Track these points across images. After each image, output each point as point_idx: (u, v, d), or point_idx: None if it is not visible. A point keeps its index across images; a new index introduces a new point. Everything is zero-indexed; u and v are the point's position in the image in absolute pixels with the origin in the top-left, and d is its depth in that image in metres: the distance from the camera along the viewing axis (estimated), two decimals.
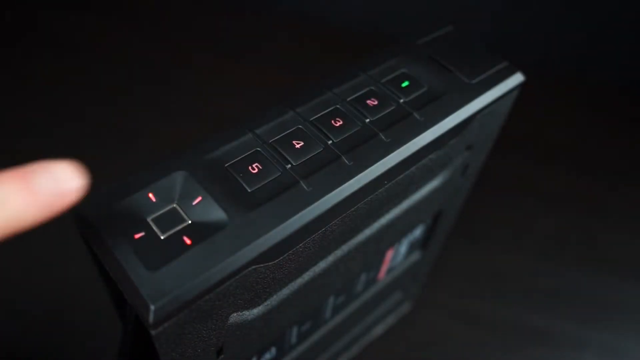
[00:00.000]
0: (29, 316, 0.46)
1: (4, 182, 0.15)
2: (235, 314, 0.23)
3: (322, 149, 0.23)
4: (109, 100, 0.66)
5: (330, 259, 0.27)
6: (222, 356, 0.25)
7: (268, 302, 0.25)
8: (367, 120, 0.25)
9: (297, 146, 0.23)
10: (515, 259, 0.55)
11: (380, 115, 0.25)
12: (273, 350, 0.32)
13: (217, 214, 0.21)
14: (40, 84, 0.67)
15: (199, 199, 0.21)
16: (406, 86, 0.27)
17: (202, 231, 0.20)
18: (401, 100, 0.26)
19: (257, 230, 0.20)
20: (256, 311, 0.24)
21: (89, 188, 0.18)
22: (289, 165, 0.23)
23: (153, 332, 0.19)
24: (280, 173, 0.22)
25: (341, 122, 0.24)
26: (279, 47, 0.76)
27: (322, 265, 0.27)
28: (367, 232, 0.28)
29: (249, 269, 0.21)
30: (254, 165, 0.22)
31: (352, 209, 0.24)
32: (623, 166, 0.66)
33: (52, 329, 0.46)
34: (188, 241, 0.20)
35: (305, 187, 0.22)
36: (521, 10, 0.75)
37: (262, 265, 0.21)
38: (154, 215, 0.20)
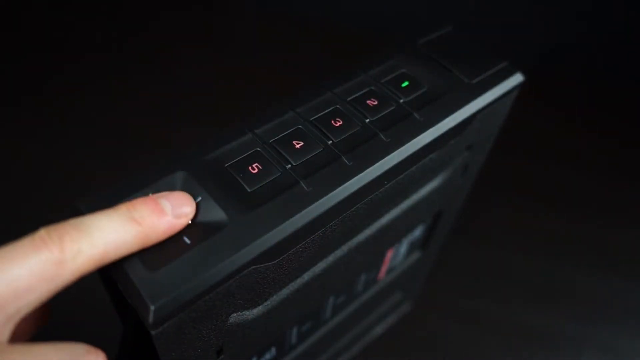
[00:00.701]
0: None
1: (139, 205, 0.19)
2: (235, 314, 0.23)
3: (322, 149, 0.23)
4: (109, 101, 0.66)
5: (330, 259, 0.27)
6: (222, 356, 0.25)
7: (268, 302, 0.25)
8: (367, 120, 0.25)
9: (297, 146, 0.23)
10: (515, 258, 0.55)
11: (380, 115, 0.25)
12: (273, 350, 0.32)
13: (217, 214, 0.21)
14: (39, 84, 0.67)
15: (199, 199, 0.21)
16: (406, 86, 0.27)
17: (202, 231, 0.20)
18: (401, 100, 0.26)
19: (257, 230, 0.20)
20: (256, 311, 0.24)
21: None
22: (289, 165, 0.23)
23: (153, 332, 0.19)
24: (280, 173, 0.22)
25: (341, 122, 0.24)
26: (279, 47, 0.76)
27: (322, 265, 0.27)
28: (367, 232, 0.28)
29: (249, 269, 0.20)
30: (254, 165, 0.22)
31: (352, 209, 0.24)
32: (623, 166, 0.66)
33: (52, 329, 0.46)
34: (188, 241, 0.20)
35: (305, 187, 0.22)
36: (521, 11, 0.75)
37: (262, 265, 0.21)
38: None
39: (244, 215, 0.21)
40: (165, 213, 0.19)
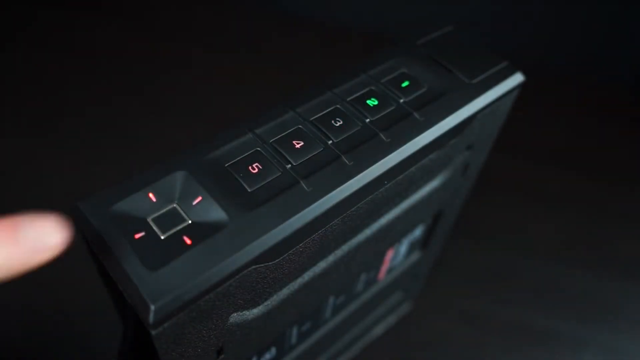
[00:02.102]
0: (29, 316, 0.46)
1: None
2: (235, 314, 0.23)
3: (322, 149, 0.23)
4: (108, 100, 0.66)
5: (331, 259, 0.27)
6: (222, 356, 0.25)
7: (268, 302, 0.25)
8: (367, 120, 0.25)
9: (297, 146, 0.23)
10: (515, 259, 0.55)
11: (380, 115, 0.25)
12: (273, 350, 0.32)
13: (217, 214, 0.21)
14: (39, 84, 0.67)
15: (199, 199, 0.21)
16: (406, 86, 0.27)
17: (202, 231, 0.20)
18: (401, 100, 0.26)
19: (257, 230, 0.20)
20: (256, 311, 0.24)
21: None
22: (289, 165, 0.23)
23: (153, 332, 0.19)
24: (280, 173, 0.22)
25: (341, 122, 0.24)
26: (279, 47, 0.76)
27: (322, 265, 0.27)
28: (367, 232, 0.28)
29: (249, 269, 0.21)
30: (254, 165, 0.22)
31: (352, 209, 0.24)
32: (623, 166, 0.66)
33: (52, 328, 0.46)
34: (188, 241, 0.20)
35: (305, 187, 0.22)
36: (521, 11, 0.75)
37: (262, 265, 0.21)
38: (154, 215, 0.20)
39: (244, 215, 0.21)
40: (19, 244, 0.16)
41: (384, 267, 0.37)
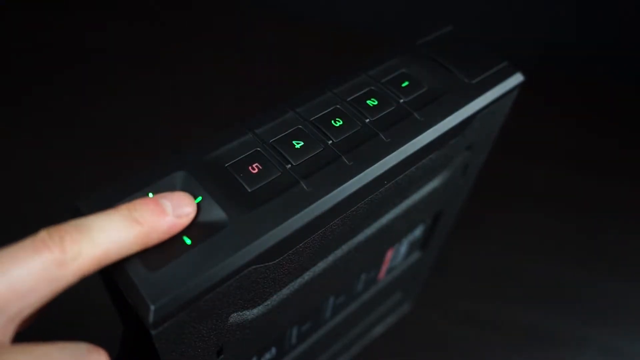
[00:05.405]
0: None
1: (140, 205, 0.19)
2: (235, 314, 0.23)
3: (322, 149, 0.23)
4: (109, 101, 0.66)
5: (330, 259, 0.27)
6: (222, 356, 0.25)
7: (268, 302, 0.25)
8: (367, 120, 0.25)
9: (297, 146, 0.23)
10: (515, 259, 0.55)
11: (380, 115, 0.25)
12: (273, 350, 0.32)
13: (217, 214, 0.21)
14: (39, 84, 0.67)
15: (200, 199, 0.21)
16: (406, 86, 0.27)
17: (202, 231, 0.20)
18: (401, 100, 0.26)
19: (257, 230, 0.20)
20: (256, 311, 0.24)
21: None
22: (289, 165, 0.23)
23: (153, 332, 0.19)
24: (280, 173, 0.22)
25: (341, 122, 0.24)
26: (279, 48, 0.76)
27: (322, 265, 0.27)
28: (367, 232, 0.28)
29: (249, 269, 0.21)
30: (254, 165, 0.22)
31: (352, 209, 0.24)
32: (623, 166, 0.66)
33: (52, 329, 0.46)
34: (188, 241, 0.20)
35: (305, 187, 0.22)
36: (520, 11, 0.75)
37: (262, 265, 0.21)
38: None
39: (244, 215, 0.21)
40: (166, 213, 0.19)
41: (384, 267, 0.37)
